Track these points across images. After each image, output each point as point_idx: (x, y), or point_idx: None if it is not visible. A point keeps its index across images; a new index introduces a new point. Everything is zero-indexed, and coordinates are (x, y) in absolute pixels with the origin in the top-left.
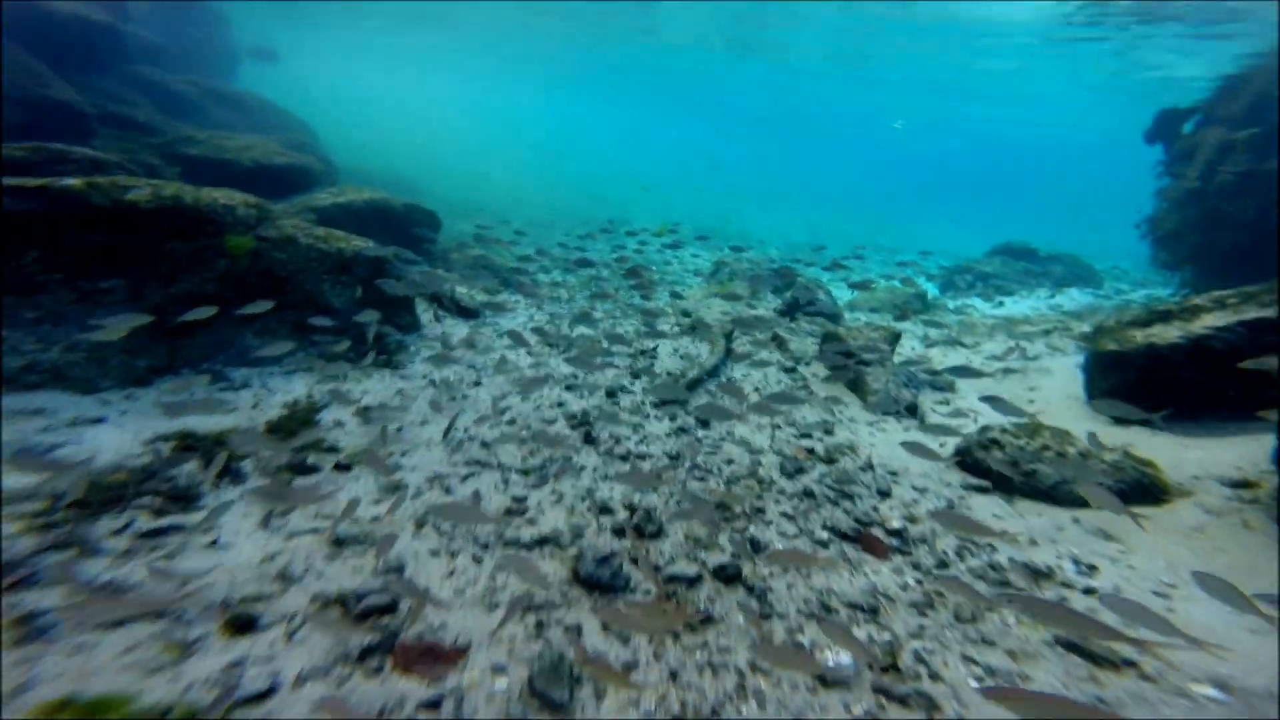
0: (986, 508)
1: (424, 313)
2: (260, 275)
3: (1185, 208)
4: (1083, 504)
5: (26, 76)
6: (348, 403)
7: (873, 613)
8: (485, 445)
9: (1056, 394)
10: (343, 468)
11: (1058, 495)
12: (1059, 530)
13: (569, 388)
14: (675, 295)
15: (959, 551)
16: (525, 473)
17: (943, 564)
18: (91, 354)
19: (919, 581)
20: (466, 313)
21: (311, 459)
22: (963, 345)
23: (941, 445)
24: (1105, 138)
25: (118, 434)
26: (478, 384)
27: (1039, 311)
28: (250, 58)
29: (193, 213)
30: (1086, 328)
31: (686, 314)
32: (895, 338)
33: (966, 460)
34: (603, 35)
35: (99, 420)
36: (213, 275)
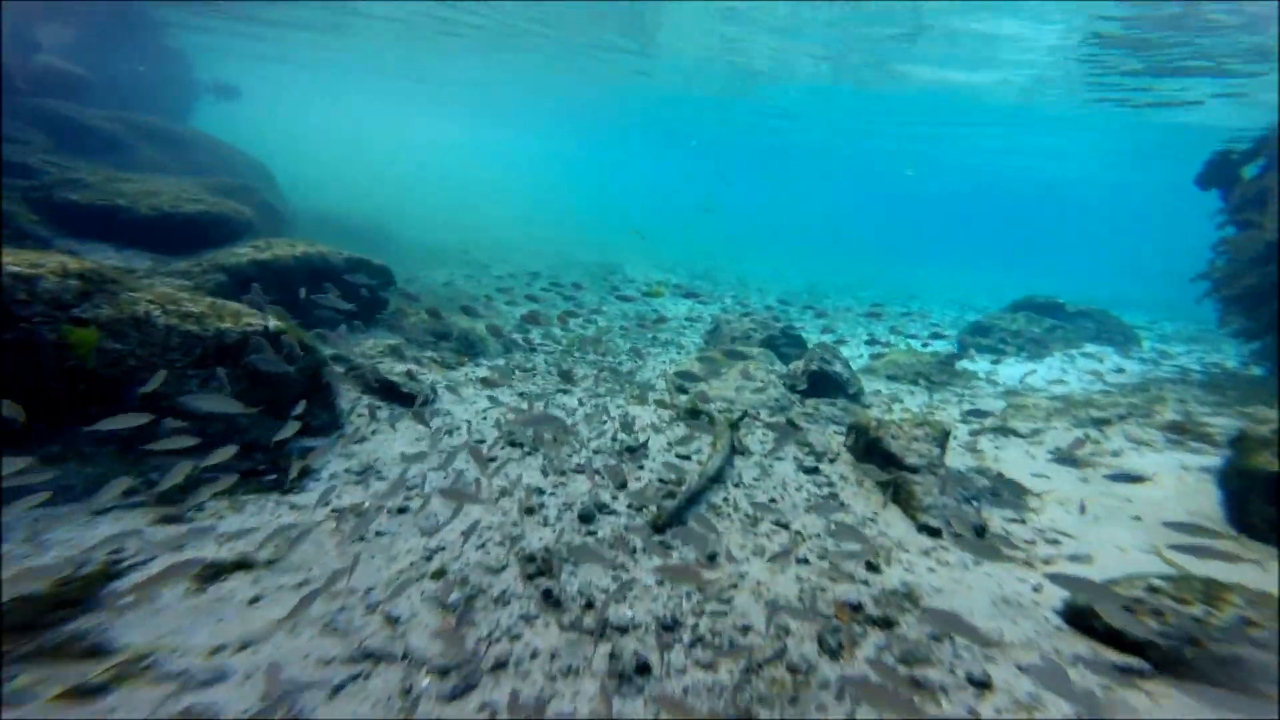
0: (1158, 709)
1: (358, 404)
2: (69, 376)
3: (1267, 263)
4: None
5: None
6: (188, 555)
7: None
8: (391, 620)
9: (1173, 512)
10: (90, 692)
11: None
12: None
13: (529, 510)
14: (669, 364)
15: None
16: (442, 673)
17: None
18: None
19: None
20: (406, 398)
21: (23, 680)
22: (1016, 434)
23: (1037, 590)
24: (1115, 182)
25: None
26: (403, 510)
27: (1084, 382)
28: (211, 95)
29: None
30: (1171, 414)
31: (683, 390)
32: (944, 436)
33: (1095, 625)
34: (596, 77)
35: None
36: None
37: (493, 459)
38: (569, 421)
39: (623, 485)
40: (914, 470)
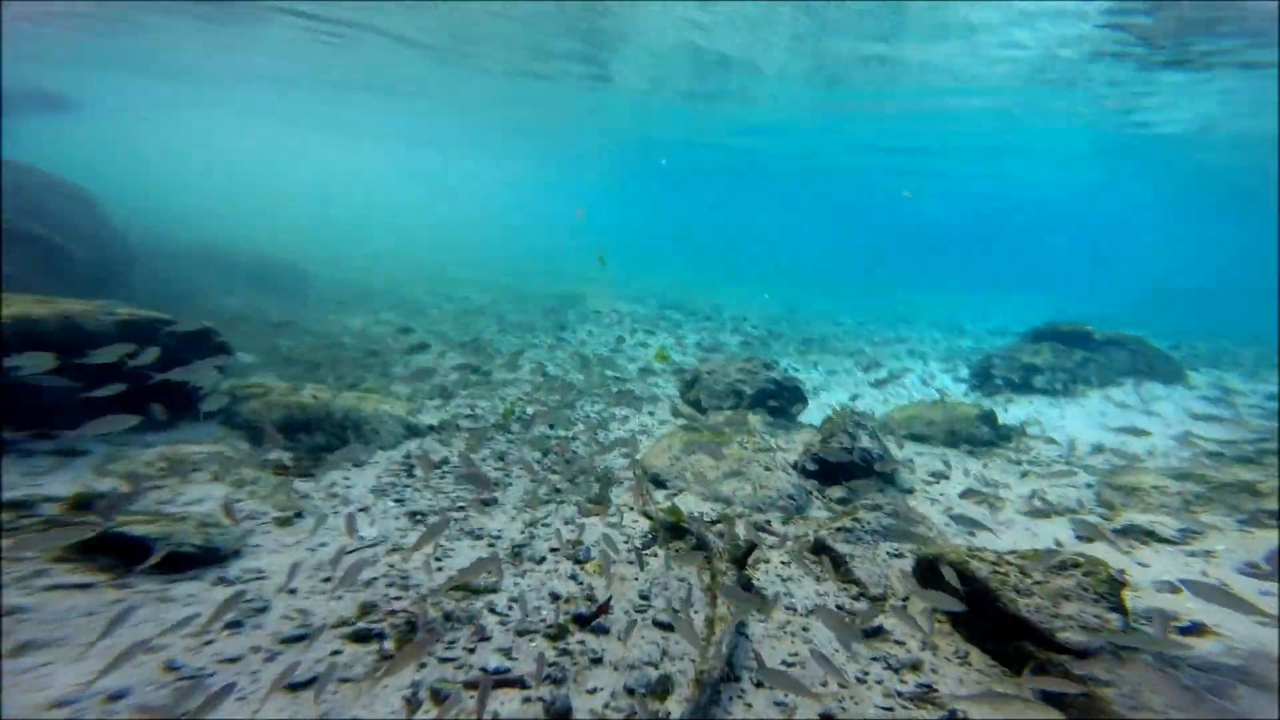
0: None
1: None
2: None
3: None
4: None
5: None
6: None
7: None
8: None
9: None
10: None
11: None
12: None
13: None
14: (639, 437)
15: None
16: None
17: None
18: None
19: None
20: (169, 560)
21: None
22: (1157, 537)
23: None
24: (1104, 194)
25: None
26: None
27: (1171, 435)
28: (35, 106)
29: None
30: None
31: (660, 482)
32: (1114, 588)
33: None
34: (555, 97)
35: None
36: None
37: (308, 683)
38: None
39: (564, 716)
40: (1078, 653)
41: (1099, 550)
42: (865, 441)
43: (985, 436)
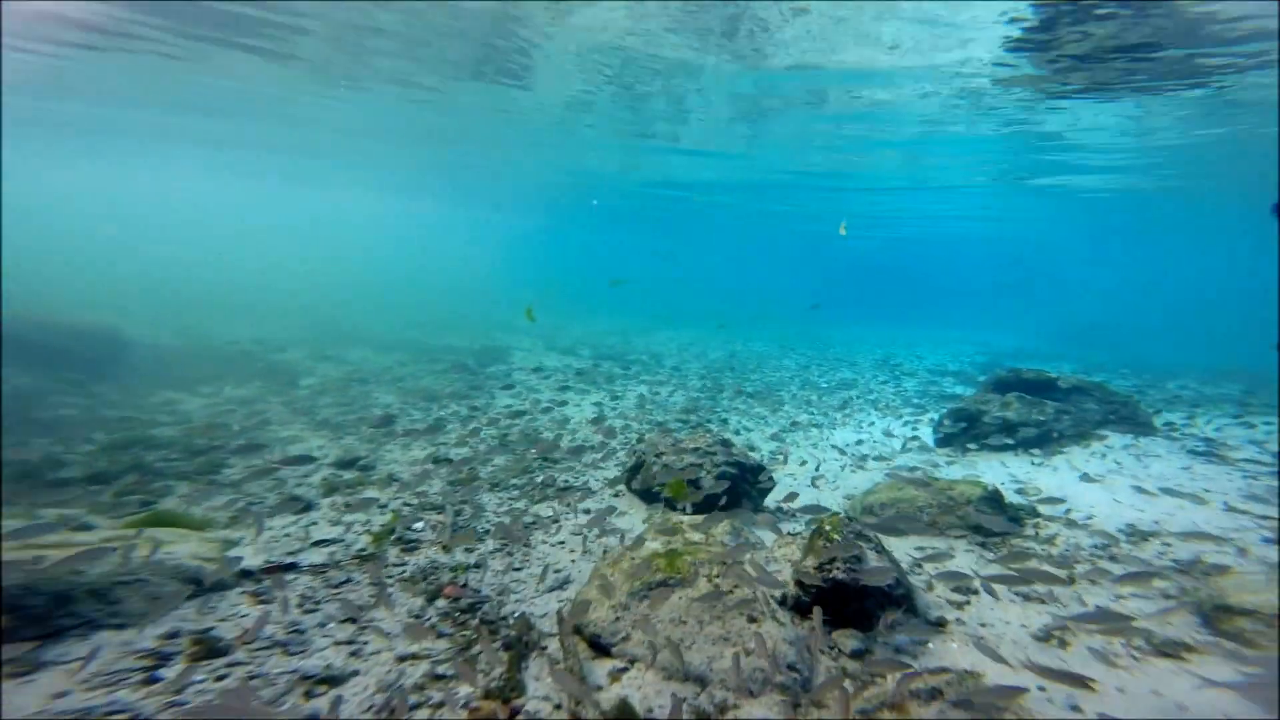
0: None
1: None
2: None
3: None
4: None
5: None
6: None
7: None
8: None
9: None
10: None
11: None
12: None
13: None
14: (570, 559)
15: None
16: None
17: None
18: None
19: None
20: None
21: None
22: None
23: None
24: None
25: None
26: None
27: (1221, 511)
28: None
29: None
30: None
31: (603, 646)
32: None
33: None
34: (472, 136)
35: None
36: None
37: None
38: None
39: None
40: None
41: None
42: (873, 560)
43: (997, 526)
